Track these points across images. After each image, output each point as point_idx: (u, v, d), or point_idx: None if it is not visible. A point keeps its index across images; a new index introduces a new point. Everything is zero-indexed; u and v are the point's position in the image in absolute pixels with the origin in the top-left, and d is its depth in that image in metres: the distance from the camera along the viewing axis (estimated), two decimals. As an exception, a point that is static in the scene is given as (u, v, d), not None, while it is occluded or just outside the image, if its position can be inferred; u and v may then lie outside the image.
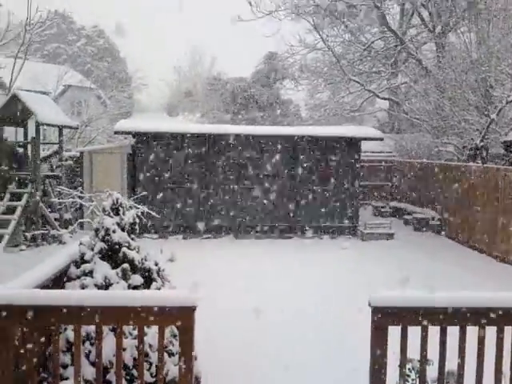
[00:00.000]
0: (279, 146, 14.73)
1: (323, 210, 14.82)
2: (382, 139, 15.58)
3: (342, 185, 14.87)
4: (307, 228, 14.75)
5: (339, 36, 24.99)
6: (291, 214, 14.74)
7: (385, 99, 24.98)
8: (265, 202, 14.69)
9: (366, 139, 15.14)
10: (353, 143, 14.86)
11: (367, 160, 19.02)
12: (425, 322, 3.18)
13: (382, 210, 18.26)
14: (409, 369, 3.52)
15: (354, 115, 25.35)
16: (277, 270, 10.63)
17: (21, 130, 14.54)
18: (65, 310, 3.33)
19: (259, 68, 30.40)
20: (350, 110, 24.96)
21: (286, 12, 23.76)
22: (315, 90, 27.26)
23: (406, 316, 3.17)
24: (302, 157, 14.76)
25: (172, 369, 4.11)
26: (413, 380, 3.58)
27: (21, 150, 13.77)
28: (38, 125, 12.69)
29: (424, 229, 15.45)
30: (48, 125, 14.02)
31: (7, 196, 12.53)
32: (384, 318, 3.18)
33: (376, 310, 3.19)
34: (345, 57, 24.36)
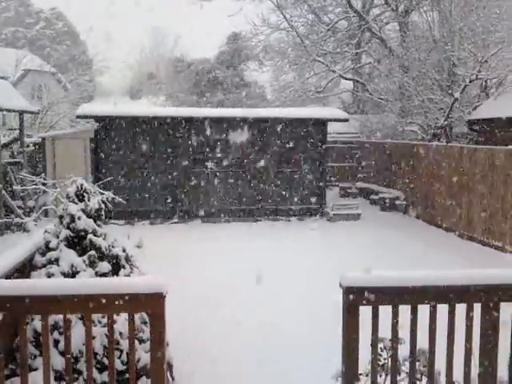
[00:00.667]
0: (245, 129, 14.65)
1: (291, 192, 14.86)
2: (347, 120, 15.65)
3: (309, 166, 14.91)
4: (275, 210, 14.77)
5: (302, 16, 24.86)
6: (259, 197, 14.73)
7: (349, 80, 25.07)
8: (232, 185, 14.65)
9: (331, 120, 15.17)
10: (318, 124, 14.90)
11: (333, 141, 19.12)
12: (395, 301, 3.21)
13: (349, 190, 18.44)
14: (380, 348, 3.54)
15: (319, 96, 25.34)
16: (247, 252, 10.60)
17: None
18: (31, 300, 3.23)
19: (223, 49, 30.10)
20: (314, 91, 24.94)
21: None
22: (280, 71, 27.13)
23: (376, 295, 3.19)
24: (268, 139, 14.73)
25: (143, 356, 4.07)
26: (385, 359, 3.62)
27: (-21, 136, 13.39)
28: (-4, 110, 12.34)
29: (390, 209, 15.66)
30: (7, 110, 13.66)
31: (-33, 184, 12.20)
32: (355, 297, 3.18)
33: (347, 290, 3.19)
34: (308, 37, 24.27)
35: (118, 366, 3.96)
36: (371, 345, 3.24)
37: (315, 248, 11.16)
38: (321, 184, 15.02)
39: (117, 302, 3.29)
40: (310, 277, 8.74)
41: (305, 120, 14.81)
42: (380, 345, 3.50)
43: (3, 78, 18.66)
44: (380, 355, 3.57)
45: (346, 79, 25.02)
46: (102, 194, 9.04)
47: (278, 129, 14.74)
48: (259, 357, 5.68)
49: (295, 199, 14.90)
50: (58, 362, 3.79)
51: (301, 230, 13.25)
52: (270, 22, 24.39)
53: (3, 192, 12.41)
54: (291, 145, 14.80)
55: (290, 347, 5.88)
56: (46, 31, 43.91)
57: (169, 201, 14.41)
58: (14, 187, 12.96)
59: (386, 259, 9.73)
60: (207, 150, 14.53)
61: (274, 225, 14.07)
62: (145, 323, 4.29)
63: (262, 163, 14.70)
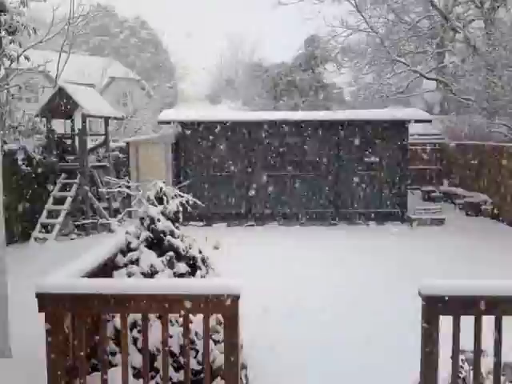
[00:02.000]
0: (323, 131, 14.54)
1: (370, 195, 14.57)
2: (429, 121, 15.17)
3: (389, 169, 14.56)
4: (353, 214, 14.54)
5: (382, 16, 24.36)
6: (336, 201, 14.56)
7: (432, 80, 24.30)
8: (309, 188, 14.57)
9: (411, 121, 14.73)
10: (399, 126, 14.51)
11: (415, 143, 18.56)
12: (478, 312, 3.04)
13: (432, 194, 17.79)
14: (462, 360, 3.38)
15: (400, 97, 24.74)
16: (324, 257, 10.49)
17: (68, 122, 14.85)
18: (112, 299, 3.36)
19: (300, 52, 30.03)
20: (395, 91, 24.37)
21: (326, -6, 23.31)
22: (359, 72, 26.73)
23: (457, 305, 3.04)
24: (346, 141, 14.53)
25: (218, 356, 4.10)
26: (466, 372, 3.45)
27: (69, 141, 14.09)
28: (84, 117, 12.92)
29: (477, 213, 14.97)
30: (94, 117, 14.26)
31: (57, 187, 12.87)
32: (435, 307, 3.06)
33: (426, 299, 3.08)
34: (389, 37, 23.74)
35: (194, 365, 4.02)
36: (451, 357, 3.10)
37: (395, 254, 10.85)
38: (401, 187, 14.61)
39: (193, 303, 3.35)
40: (390, 285, 8.50)
41: (384, 121, 14.49)
42: (461, 357, 3.34)
43: (91, 86, 19.60)
44: (461, 367, 3.41)
45: (429, 79, 24.26)
46: (182, 196, 9.29)
47: (356, 131, 14.50)
48: (332, 359, 5.59)
49: (374, 203, 14.58)
50: (137, 360, 3.89)
51: (380, 235, 12.93)
52: (349, 24, 24.10)
53: (89, 194, 13.00)
54: (370, 147, 14.51)
55: (371, 358, 5.75)
56: (131, 39, 45.72)
57: (246, 203, 14.55)
58: (99, 190, 13.53)
59: (469, 267, 9.32)
60: (284, 152, 14.54)
61: (351, 229, 13.84)
62: (220, 324, 4.33)
63: (339, 166, 14.52)
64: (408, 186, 15.11)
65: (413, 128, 15.70)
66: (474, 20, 22.89)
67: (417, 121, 14.79)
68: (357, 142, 14.51)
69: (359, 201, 14.57)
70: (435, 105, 25.45)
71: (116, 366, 3.93)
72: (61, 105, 13.06)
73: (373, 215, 14.49)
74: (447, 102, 23.70)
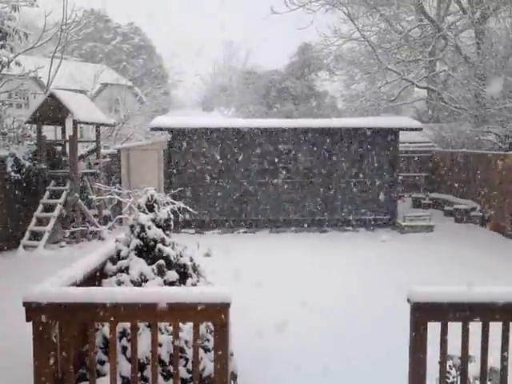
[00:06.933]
0: (313, 139, 14.60)
1: (360, 202, 14.64)
2: (420, 129, 15.25)
3: (380, 177, 14.64)
4: (344, 221, 14.59)
5: (375, 25, 24.53)
6: (327, 208, 14.61)
7: (423, 88, 24.48)
8: (300, 195, 14.61)
9: (402, 129, 14.83)
10: (389, 134, 14.61)
11: (406, 151, 18.66)
12: (466, 318, 3.07)
13: (422, 201, 17.90)
14: (449, 366, 3.40)
15: (392, 105, 24.93)
16: (314, 264, 10.52)
17: (59, 129, 14.80)
18: (100, 308, 3.34)
19: (293, 60, 30.22)
20: (387, 100, 24.55)
21: (319, 3, 23.44)
22: (351, 80, 26.91)
23: (446, 312, 3.06)
24: (337, 149, 14.60)
25: (208, 365, 4.09)
26: (454, 377, 3.47)
27: (59, 148, 14.02)
28: (75, 123, 12.86)
29: (466, 220, 15.07)
30: (85, 123, 14.21)
31: (46, 194, 12.76)
32: (423, 313, 3.08)
33: (415, 306, 3.10)
34: (381, 46, 23.90)
35: (184, 374, 4.00)
36: (439, 362, 3.12)
37: (386, 260, 10.88)
38: (392, 194, 14.70)
39: (182, 311, 3.35)
40: (380, 291, 8.53)
41: (375, 129, 14.58)
42: (449, 362, 3.36)
43: (82, 92, 19.56)
44: (449, 373, 3.43)
45: (420, 87, 24.44)
46: (173, 203, 9.27)
47: (347, 138, 14.59)
48: (324, 368, 5.59)
49: (365, 210, 14.65)
50: (126, 369, 3.87)
51: (370, 242, 12.99)
52: (342, 33, 24.25)
53: (79, 201, 12.93)
54: (361, 155, 14.60)
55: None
56: (123, 46, 45.66)
57: (238, 211, 14.56)
58: (90, 197, 13.46)
59: (459, 274, 9.36)
60: (275, 160, 14.58)
61: (342, 236, 13.88)
62: (210, 332, 4.32)
63: (330, 173, 14.58)
64: (398, 193, 15.20)
65: (404, 136, 15.80)
66: (465, 29, 23.09)
67: (406, 129, 14.90)
68: (347, 149, 14.59)
69: (350, 207, 14.63)
70: (425, 113, 25.61)
71: (105, 375, 3.91)
72: (52, 111, 13.02)
73: (363, 222, 14.56)
74: (435, 110, 23.81)
